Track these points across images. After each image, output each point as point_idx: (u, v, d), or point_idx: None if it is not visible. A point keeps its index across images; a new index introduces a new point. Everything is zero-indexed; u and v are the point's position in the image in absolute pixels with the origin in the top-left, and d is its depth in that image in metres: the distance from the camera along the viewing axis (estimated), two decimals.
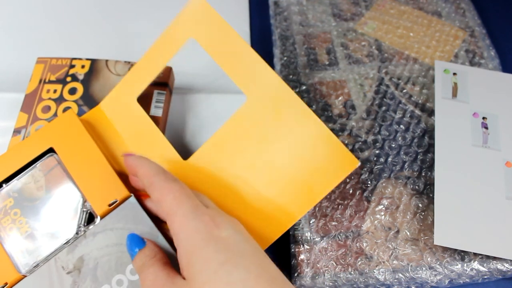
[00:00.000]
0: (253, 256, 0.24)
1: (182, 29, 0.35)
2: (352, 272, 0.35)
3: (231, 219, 0.27)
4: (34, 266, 0.30)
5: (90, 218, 0.31)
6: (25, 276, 0.29)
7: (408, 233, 0.36)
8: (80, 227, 0.31)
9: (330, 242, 0.36)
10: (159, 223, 0.31)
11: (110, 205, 0.31)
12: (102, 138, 0.36)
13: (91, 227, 0.31)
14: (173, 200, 0.26)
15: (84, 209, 0.31)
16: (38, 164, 0.33)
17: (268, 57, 0.49)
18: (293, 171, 0.31)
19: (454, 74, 0.43)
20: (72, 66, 0.42)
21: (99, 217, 0.31)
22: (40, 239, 0.30)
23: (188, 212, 0.25)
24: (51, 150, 0.34)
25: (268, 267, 0.24)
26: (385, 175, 0.39)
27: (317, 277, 0.34)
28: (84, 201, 0.32)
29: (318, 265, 0.35)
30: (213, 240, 0.24)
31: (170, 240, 0.30)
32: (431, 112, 0.43)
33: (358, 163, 0.29)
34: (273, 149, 0.31)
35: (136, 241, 0.28)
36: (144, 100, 0.41)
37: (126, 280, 0.29)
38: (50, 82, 0.41)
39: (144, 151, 0.35)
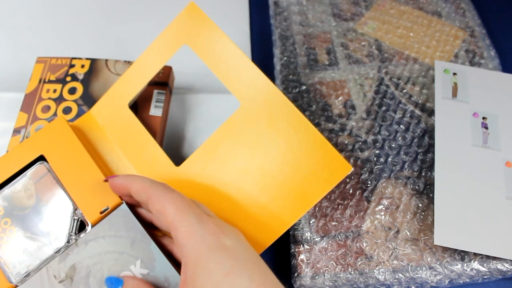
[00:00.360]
0: (255, 265, 0.24)
1: (176, 36, 0.35)
2: (352, 272, 0.35)
3: (233, 227, 0.27)
4: (25, 276, 0.29)
5: (82, 226, 0.31)
6: (16, 286, 0.29)
7: (408, 233, 0.36)
8: (71, 235, 0.30)
9: (330, 242, 0.36)
10: (151, 230, 0.31)
11: (101, 212, 0.31)
12: (93, 144, 0.35)
13: (82, 235, 0.30)
14: (176, 210, 0.26)
15: (75, 217, 0.31)
16: (28, 172, 0.32)
17: (268, 57, 0.49)
18: (286, 177, 0.31)
19: (454, 74, 0.43)
20: (72, 66, 0.42)
21: (90, 225, 0.31)
22: (31, 248, 0.30)
23: (193, 222, 0.25)
24: (41, 158, 0.33)
25: (270, 276, 0.24)
26: (385, 175, 0.39)
27: (317, 277, 0.34)
28: (75, 209, 0.31)
29: (318, 265, 0.35)
30: (219, 249, 0.24)
31: (162, 247, 0.30)
32: (431, 112, 0.43)
33: (351, 169, 0.29)
34: (266, 155, 0.31)
35: (114, 282, 0.28)
36: (144, 100, 0.41)
37: None
38: (50, 81, 0.41)
39: (136, 157, 0.34)
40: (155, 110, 0.40)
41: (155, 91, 0.41)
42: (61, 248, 0.30)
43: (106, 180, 0.31)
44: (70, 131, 0.34)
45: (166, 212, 0.26)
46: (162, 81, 0.42)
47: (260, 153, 0.31)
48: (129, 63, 0.43)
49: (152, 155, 0.34)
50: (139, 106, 0.40)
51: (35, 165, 0.33)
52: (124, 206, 0.31)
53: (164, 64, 0.35)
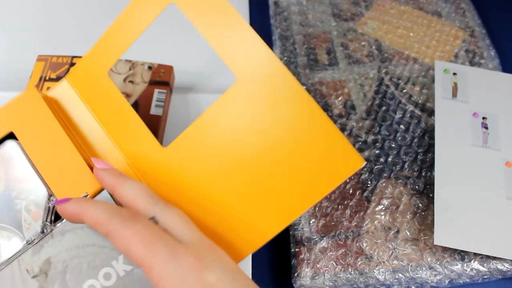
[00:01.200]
0: None
1: None
2: (352, 272, 0.35)
3: (214, 249, 0.24)
4: None
5: (58, 215, 0.28)
6: None
7: (408, 233, 0.36)
8: (45, 225, 0.27)
9: (330, 242, 0.36)
10: None
11: None
12: (71, 119, 0.31)
13: (58, 225, 0.27)
14: (143, 247, 0.22)
15: (50, 205, 0.28)
16: None
17: None
18: (286, 167, 0.27)
19: (454, 74, 0.43)
20: (72, 64, 0.42)
21: None
22: (0, 239, 0.27)
23: (167, 259, 0.22)
24: (10, 136, 0.29)
25: None
26: (385, 175, 0.39)
27: (317, 277, 0.34)
28: (50, 195, 0.28)
29: (318, 265, 0.35)
30: None
31: None
32: (431, 112, 0.43)
33: (364, 163, 0.26)
34: (264, 141, 0.27)
35: None
36: (145, 99, 0.41)
37: (99, 285, 0.26)
38: (51, 79, 0.41)
39: (119, 134, 0.30)
40: (155, 109, 0.40)
41: (156, 91, 0.41)
42: (34, 239, 0.27)
43: (55, 203, 0.27)
44: (45, 106, 0.30)
45: (132, 252, 0.22)
46: (163, 81, 0.42)
47: (257, 138, 0.27)
48: (130, 61, 0.43)
49: (136, 132, 0.30)
50: (139, 105, 0.40)
51: (3, 144, 0.29)
52: (105, 193, 0.28)
53: (149, 25, 0.30)
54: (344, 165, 0.26)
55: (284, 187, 0.27)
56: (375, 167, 0.40)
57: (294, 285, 0.35)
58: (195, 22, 0.29)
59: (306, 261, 0.35)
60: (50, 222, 0.28)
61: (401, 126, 0.42)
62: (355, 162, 0.25)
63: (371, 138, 0.42)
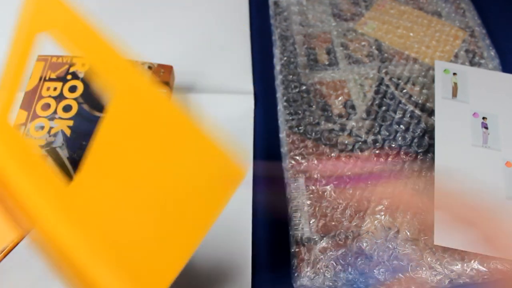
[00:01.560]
0: None
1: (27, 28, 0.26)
2: (352, 272, 0.35)
3: None
4: None
5: None
6: None
7: (408, 233, 0.36)
8: None
9: (330, 242, 0.36)
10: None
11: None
12: None
13: None
14: None
15: None
16: None
17: (268, 57, 0.49)
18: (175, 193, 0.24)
19: (454, 74, 0.43)
20: (72, 64, 0.42)
21: None
22: None
23: None
24: None
25: None
26: (385, 175, 0.39)
27: (317, 277, 0.34)
28: None
29: (318, 265, 0.35)
30: None
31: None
32: (431, 112, 0.43)
33: (244, 173, 0.24)
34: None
35: None
36: None
37: None
38: (50, 79, 0.41)
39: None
40: None
41: None
42: None
43: None
44: None
45: None
46: (163, 81, 0.42)
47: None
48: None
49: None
50: None
51: None
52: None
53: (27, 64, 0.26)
54: (230, 179, 0.25)
55: (179, 213, 0.24)
56: (375, 167, 0.40)
57: (294, 285, 0.35)
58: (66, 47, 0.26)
59: (306, 261, 0.35)
60: None
61: (401, 126, 0.42)
62: (237, 174, 0.25)
63: (371, 138, 0.42)
